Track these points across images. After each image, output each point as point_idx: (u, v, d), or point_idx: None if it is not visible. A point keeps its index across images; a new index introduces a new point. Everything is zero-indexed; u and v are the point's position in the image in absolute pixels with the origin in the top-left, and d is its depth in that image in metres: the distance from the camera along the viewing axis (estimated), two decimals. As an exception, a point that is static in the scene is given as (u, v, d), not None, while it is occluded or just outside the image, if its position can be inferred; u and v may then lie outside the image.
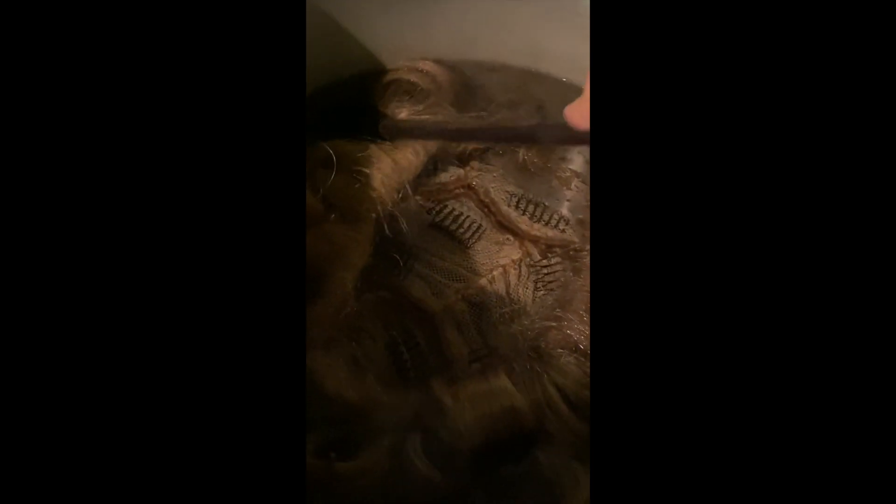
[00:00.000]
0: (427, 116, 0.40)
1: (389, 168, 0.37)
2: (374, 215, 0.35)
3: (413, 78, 0.43)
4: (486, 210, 0.38)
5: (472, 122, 0.38)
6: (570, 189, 0.39)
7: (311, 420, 0.29)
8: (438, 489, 0.27)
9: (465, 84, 0.44)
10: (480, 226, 0.38)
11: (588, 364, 0.31)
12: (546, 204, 0.38)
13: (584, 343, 0.32)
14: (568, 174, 0.39)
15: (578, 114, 0.30)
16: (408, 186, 0.38)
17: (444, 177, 0.39)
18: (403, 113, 0.40)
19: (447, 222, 0.38)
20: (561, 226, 0.37)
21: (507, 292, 0.36)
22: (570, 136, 0.31)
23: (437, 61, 0.43)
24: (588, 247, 0.36)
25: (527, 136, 0.35)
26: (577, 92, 0.44)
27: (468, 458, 0.28)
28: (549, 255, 0.37)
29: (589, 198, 0.38)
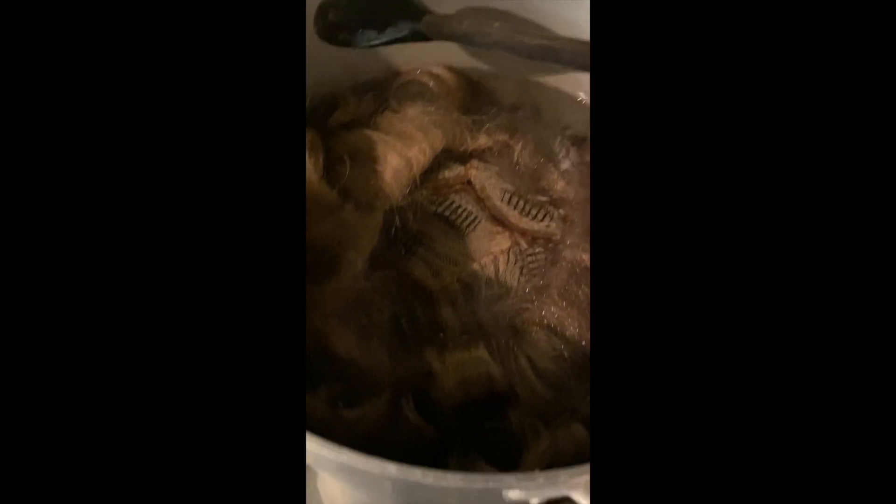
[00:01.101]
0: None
1: (401, 164, 0.43)
2: (385, 205, 0.41)
3: (426, 80, 0.49)
4: (481, 204, 0.44)
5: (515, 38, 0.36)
6: (556, 188, 0.44)
7: (324, 376, 0.35)
8: (426, 437, 0.34)
9: (471, 88, 0.49)
10: (476, 217, 0.43)
11: (557, 340, 0.37)
12: (534, 200, 0.44)
13: (555, 322, 0.38)
14: (555, 175, 0.44)
15: None
16: (416, 180, 0.43)
17: (447, 173, 0.44)
18: (415, 110, 0.46)
19: (448, 213, 0.44)
20: (546, 221, 0.43)
21: (496, 276, 0.42)
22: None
23: (448, 67, 0.48)
24: (567, 240, 0.42)
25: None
26: (570, 99, 0.49)
27: (451, 414, 0.34)
28: (534, 245, 0.42)
29: (573, 196, 0.44)
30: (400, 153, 0.42)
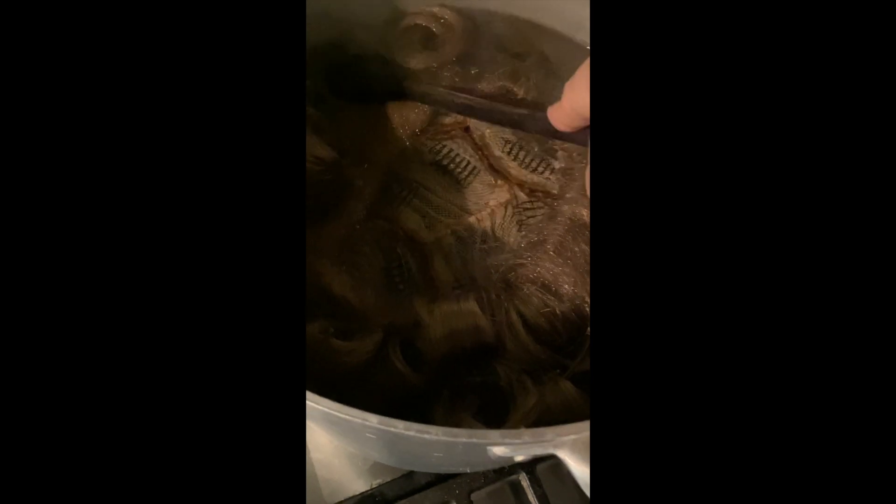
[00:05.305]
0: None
1: (399, 123, 0.41)
2: (383, 159, 0.40)
3: (429, 24, 0.46)
4: (480, 153, 0.42)
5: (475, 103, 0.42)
6: (559, 141, 0.42)
7: (319, 311, 0.35)
8: (410, 383, 0.33)
9: (476, 31, 0.47)
10: (475, 168, 0.42)
11: (550, 297, 0.36)
12: (536, 152, 0.42)
13: (548, 279, 0.37)
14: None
15: (557, 118, 0.36)
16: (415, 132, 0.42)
17: (444, 118, 0.43)
18: (416, 62, 0.44)
19: (446, 162, 0.42)
20: (546, 174, 0.42)
21: (493, 230, 0.41)
22: (554, 133, 0.37)
23: (452, 7, 0.46)
24: (567, 194, 0.40)
25: (516, 122, 0.41)
26: (581, 50, 0.47)
27: (437, 363, 0.34)
28: (533, 199, 0.41)
29: (575, 148, 0.42)
30: (398, 112, 0.41)
